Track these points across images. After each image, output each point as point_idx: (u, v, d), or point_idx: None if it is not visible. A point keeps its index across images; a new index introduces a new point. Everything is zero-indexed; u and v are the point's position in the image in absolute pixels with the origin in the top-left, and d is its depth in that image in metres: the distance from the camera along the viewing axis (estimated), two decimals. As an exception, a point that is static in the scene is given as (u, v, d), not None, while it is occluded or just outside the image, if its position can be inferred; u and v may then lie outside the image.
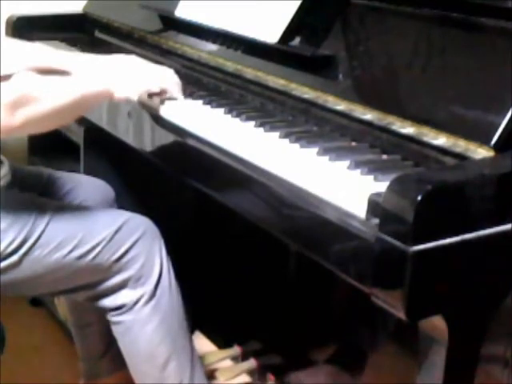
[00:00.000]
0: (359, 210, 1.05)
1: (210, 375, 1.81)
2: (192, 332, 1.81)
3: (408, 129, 1.23)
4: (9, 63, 1.43)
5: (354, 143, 1.31)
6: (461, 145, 1.14)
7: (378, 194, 1.03)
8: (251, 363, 1.86)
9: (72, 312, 1.76)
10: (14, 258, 1.36)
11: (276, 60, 1.53)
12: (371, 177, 1.13)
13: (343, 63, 1.41)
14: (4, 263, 1.35)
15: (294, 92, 1.46)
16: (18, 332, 1.89)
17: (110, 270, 1.43)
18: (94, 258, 1.41)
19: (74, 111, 1.38)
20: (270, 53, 1.54)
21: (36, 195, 1.49)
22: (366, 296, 1.05)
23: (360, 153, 1.26)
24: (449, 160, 1.15)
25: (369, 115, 1.30)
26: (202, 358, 1.78)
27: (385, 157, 1.25)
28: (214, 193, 1.41)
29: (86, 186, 1.69)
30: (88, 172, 1.93)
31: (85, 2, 2.31)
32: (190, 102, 1.54)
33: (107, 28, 2.15)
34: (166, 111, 1.50)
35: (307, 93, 1.43)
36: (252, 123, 1.40)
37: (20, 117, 1.23)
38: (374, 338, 1.68)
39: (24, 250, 1.36)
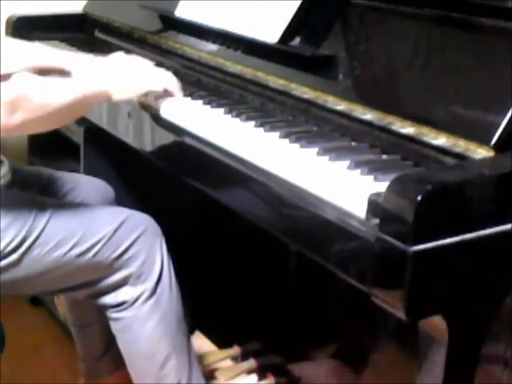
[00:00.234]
0: (359, 210, 1.06)
1: (210, 375, 1.81)
2: (192, 332, 1.82)
3: (408, 129, 1.23)
4: (9, 63, 1.43)
5: (353, 143, 1.31)
6: (461, 145, 1.14)
7: (377, 194, 1.03)
8: (251, 363, 1.86)
9: (72, 311, 1.76)
10: (14, 256, 1.36)
11: (276, 60, 1.53)
12: (371, 177, 1.13)
13: (343, 63, 1.41)
14: (4, 262, 1.35)
15: (293, 92, 1.46)
16: (18, 332, 1.89)
17: (110, 268, 1.44)
18: (95, 255, 1.41)
19: (73, 112, 1.38)
20: (270, 53, 1.54)
21: (36, 194, 1.49)
22: (366, 296, 1.05)
23: (360, 153, 1.26)
24: (449, 160, 1.15)
25: (369, 115, 1.30)
26: (201, 357, 1.79)
27: (385, 157, 1.25)
28: (214, 193, 1.42)
29: (85, 185, 1.69)
30: (88, 172, 1.93)
31: (85, 2, 2.31)
32: (190, 101, 1.54)
33: (107, 28, 2.15)
34: (166, 111, 1.51)
35: (307, 93, 1.43)
36: (252, 123, 1.40)
37: (19, 116, 1.23)
38: (374, 338, 1.68)
39: (24, 249, 1.36)
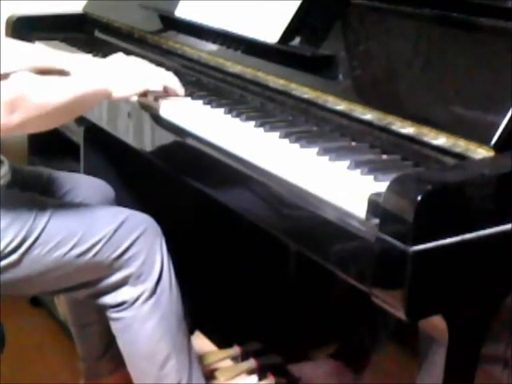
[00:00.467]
0: (359, 209, 1.05)
1: (210, 375, 1.81)
2: (192, 332, 1.82)
3: (408, 129, 1.23)
4: (9, 63, 1.43)
5: (353, 143, 1.31)
6: (461, 145, 1.14)
7: (377, 194, 1.03)
8: (251, 363, 1.86)
9: (72, 312, 1.76)
10: (14, 256, 1.36)
11: (276, 60, 1.53)
12: (371, 177, 1.13)
13: (343, 63, 1.41)
14: (4, 262, 1.35)
15: (294, 92, 1.46)
16: (18, 332, 1.90)
17: (110, 268, 1.44)
18: (95, 255, 1.41)
19: (72, 110, 1.38)
20: (270, 53, 1.54)
21: (36, 194, 1.49)
22: (366, 296, 1.05)
23: (360, 153, 1.26)
24: (449, 160, 1.15)
25: (369, 115, 1.30)
26: (201, 357, 1.79)
27: (385, 157, 1.25)
28: (214, 193, 1.42)
29: (85, 185, 1.69)
30: (88, 172, 1.93)
31: (85, 2, 2.31)
32: (190, 101, 1.54)
33: (107, 28, 2.15)
34: (166, 111, 1.51)
35: (307, 93, 1.43)
36: (252, 123, 1.40)
37: (18, 116, 1.23)
38: (373, 338, 1.68)
39: (24, 249, 1.36)
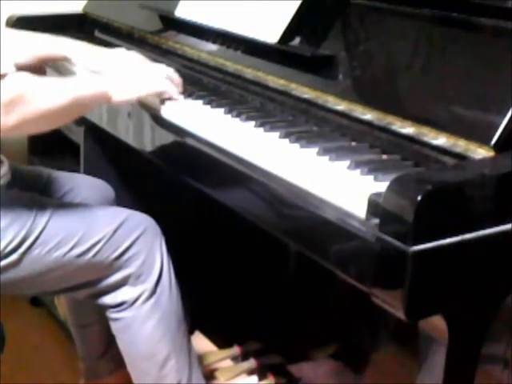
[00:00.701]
0: (359, 209, 1.05)
1: (210, 375, 1.81)
2: (192, 332, 1.82)
3: (408, 129, 1.23)
4: (11, 52, 1.43)
5: (354, 143, 1.31)
6: (461, 145, 1.14)
7: (377, 194, 1.03)
8: (251, 363, 1.86)
9: (72, 312, 1.76)
10: (14, 256, 1.36)
11: (276, 60, 1.53)
12: (371, 177, 1.13)
13: (343, 63, 1.41)
14: (4, 262, 1.35)
15: (293, 92, 1.46)
16: (18, 332, 1.90)
17: (110, 268, 1.44)
18: (95, 255, 1.41)
19: (70, 112, 1.37)
20: (269, 53, 1.54)
21: (36, 194, 1.49)
22: (366, 296, 1.05)
23: (360, 153, 1.26)
24: (449, 160, 1.15)
25: (369, 115, 1.30)
26: (201, 357, 1.79)
27: (385, 157, 1.25)
28: (214, 193, 1.41)
29: (85, 185, 1.69)
30: (88, 172, 1.93)
31: (85, 2, 2.31)
32: (190, 101, 1.54)
33: (107, 28, 2.15)
34: (166, 111, 1.50)
35: (307, 93, 1.43)
36: (252, 123, 1.40)
37: (15, 117, 1.23)
38: (373, 338, 1.68)
39: (24, 249, 1.36)
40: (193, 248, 2.09)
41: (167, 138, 1.54)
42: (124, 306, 1.46)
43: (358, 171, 1.16)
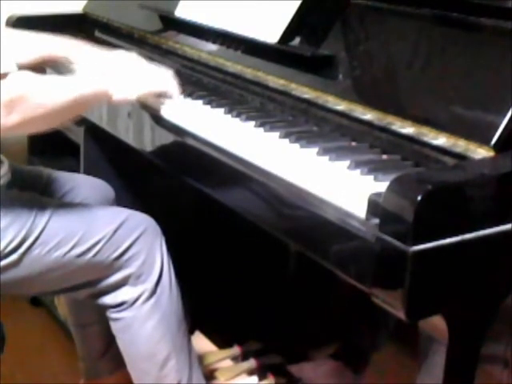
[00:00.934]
0: (359, 209, 1.05)
1: (210, 375, 1.81)
2: (192, 332, 1.82)
3: (408, 129, 1.23)
4: (12, 53, 1.43)
5: (354, 143, 1.31)
6: (461, 145, 1.14)
7: (377, 194, 1.03)
8: (251, 363, 1.86)
9: (72, 312, 1.76)
10: (14, 256, 1.36)
11: (276, 60, 1.53)
12: (371, 177, 1.13)
13: (343, 63, 1.41)
14: (4, 262, 1.35)
15: (293, 92, 1.46)
16: (18, 332, 1.89)
17: (110, 268, 1.44)
18: (95, 255, 1.41)
19: (70, 111, 1.38)
20: (269, 53, 1.54)
21: (36, 194, 1.49)
22: (366, 296, 1.05)
23: (360, 153, 1.26)
24: (449, 160, 1.15)
25: (369, 115, 1.30)
26: (202, 357, 1.79)
27: (385, 157, 1.25)
28: (213, 193, 1.41)
29: (85, 185, 1.69)
30: (88, 172, 1.93)
31: (85, 2, 2.31)
32: (190, 101, 1.54)
33: (107, 28, 2.15)
34: (166, 111, 1.50)
35: (307, 93, 1.43)
36: (252, 123, 1.40)
37: (16, 116, 1.23)
38: (374, 338, 1.68)
39: (24, 249, 1.36)
40: (193, 248, 2.09)
41: (167, 137, 1.54)
42: (124, 306, 1.46)
43: (357, 171, 1.16)
